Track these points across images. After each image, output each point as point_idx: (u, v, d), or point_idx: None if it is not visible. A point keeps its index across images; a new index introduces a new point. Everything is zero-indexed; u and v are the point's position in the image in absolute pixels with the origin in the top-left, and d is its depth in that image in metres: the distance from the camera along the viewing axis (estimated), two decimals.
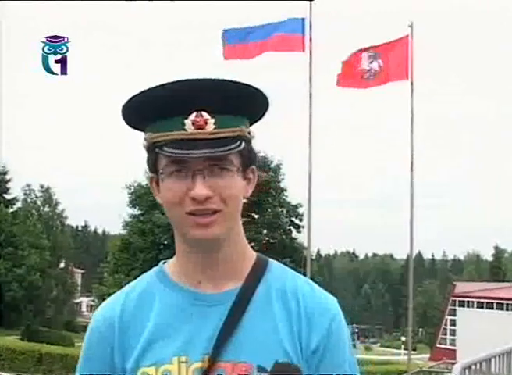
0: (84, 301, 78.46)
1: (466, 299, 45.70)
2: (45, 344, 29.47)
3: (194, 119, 1.31)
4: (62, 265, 57.21)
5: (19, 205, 49.81)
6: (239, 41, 15.45)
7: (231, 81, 1.34)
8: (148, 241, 32.63)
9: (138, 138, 1.40)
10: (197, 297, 1.37)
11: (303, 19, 15.62)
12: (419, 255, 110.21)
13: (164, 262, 1.46)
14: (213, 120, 1.32)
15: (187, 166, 1.31)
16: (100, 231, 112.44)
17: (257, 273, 1.40)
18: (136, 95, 1.35)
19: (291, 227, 33.84)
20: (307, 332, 1.36)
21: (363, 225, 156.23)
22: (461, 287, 48.52)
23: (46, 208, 56.80)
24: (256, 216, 33.51)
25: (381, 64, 15.82)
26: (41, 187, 56.58)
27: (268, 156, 33.28)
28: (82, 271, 78.74)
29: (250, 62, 15.51)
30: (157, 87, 1.33)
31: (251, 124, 1.41)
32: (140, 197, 33.86)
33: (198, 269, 1.38)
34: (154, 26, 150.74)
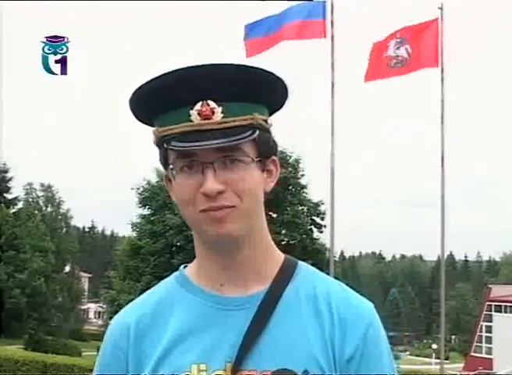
0: (92, 307, 78.97)
1: (503, 304, 45.44)
2: (50, 354, 29.70)
3: (200, 109, 1.30)
4: (67, 269, 57.54)
5: (20, 205, 50.16)
6: (261, 34, 15.36)
7: (237, 65, 1.33)
8: (160, 243, 32.70)
9: (145, 135, 1.40)
10: (219, 301, 1.37)
11: (324, 2, 15.54)
12: (451, 256, 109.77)
13: (184, 267, 1.46)
14: (220, 109, 1.30)
15: (197, 159, 1.30)
16: (108, 232, 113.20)
17: (285, 276, 1.39)
18: (139, 88, 1.34)
19: (312, 227, 33.77)
20: (341, 339, 1.34)
21: (390, 224, 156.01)
22: (497, 290, 48.27)
23: (50, 209, 57.13)
24: (274, 215, 33.49)
25: (409, 50, 15.67)
26: (42, 185, 56.94)
27: (286, 150, 33.26)
28: (89, 275, 79.20)
29: (267, 52, 15.39)
30: (158, 77, 1.32)
31: (272, 112, 1.39)
32: (151, 196, 33.97)
33: (219, 271, 1.38)
34: (155, 26, 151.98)
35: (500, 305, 45.68)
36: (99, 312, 74.91)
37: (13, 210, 47.19)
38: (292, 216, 32.83)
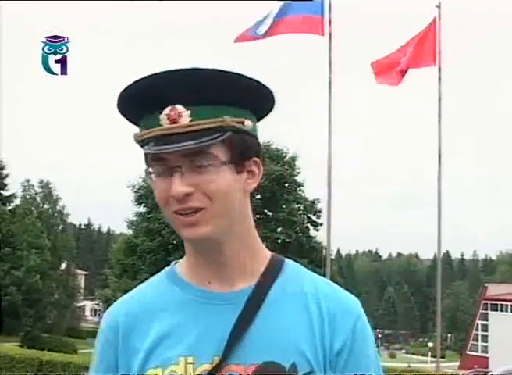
0: (88, 304, 78.97)
1: (499, 302, 45.53)
2: (46, 352, 29.63)
3: (168, 113, 1.32)
4: (63, 266, 57.52)
5: (17, 202, 50.13)
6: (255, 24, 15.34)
7: (206, 69, 1.33)
8: (156, 241, 32.68)
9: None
10: (207, 295, 1.40)
11: (322, 0, 15.52)
12: (447, 254, 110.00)
13: (176, 263, 1.49)
14: (188, 112, 1.31)
15: (167, 163, 1.32)
16: (104, 230, 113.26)
17: (272, 273, 1.41)
18: (120, 94, 1.36)
19: (308, 225, 33.79)
20: (331, 334, 1.37)
21: (386, 222, 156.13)
22: (493, 289, 48.35)
23: (46, 206, 57.09)
24: (270, 213, 33.51)
25: (411, 50, 15.66)
26: (40, 182, 56.91)
27: (282, 148, 33.23)
28: (85, 273, 79.22)
29: (267, 47, 15.41)
30: (132, 84, 1.34)
31: (261, 114, 1.41)
32: (146, 194, 33.93)
33: (206, 268, 1.41)
34: (155, 26, 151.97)
35: (496, 304, 45.75)
36: (95, 310, 74.92)
37: (10, 207, 47.15)
38: (288, 214, 32.81)
